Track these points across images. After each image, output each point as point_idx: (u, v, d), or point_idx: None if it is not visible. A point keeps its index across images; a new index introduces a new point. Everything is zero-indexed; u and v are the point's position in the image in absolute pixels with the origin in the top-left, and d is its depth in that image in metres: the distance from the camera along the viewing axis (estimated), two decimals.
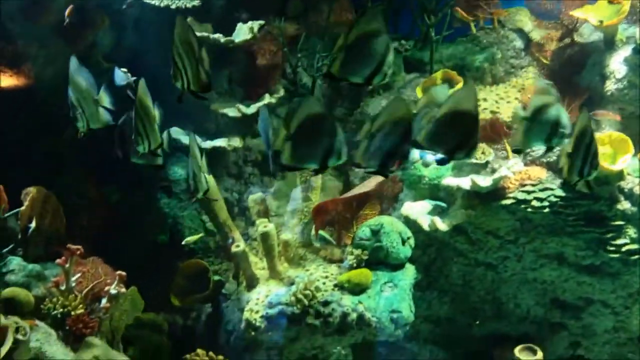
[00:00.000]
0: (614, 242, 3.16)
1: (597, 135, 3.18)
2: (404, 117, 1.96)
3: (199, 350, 2.94)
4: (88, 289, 2.76)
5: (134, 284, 3.00)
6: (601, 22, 3.32)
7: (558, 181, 3.24)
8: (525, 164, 3.34)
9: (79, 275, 2.73)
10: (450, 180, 3.35)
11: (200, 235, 3.53)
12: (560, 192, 3.18)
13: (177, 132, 3.61)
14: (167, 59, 3.59)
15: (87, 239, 3.30)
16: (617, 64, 3.32)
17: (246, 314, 3.12)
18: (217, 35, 3.50)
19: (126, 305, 2.88)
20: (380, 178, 3.47)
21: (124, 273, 2.79)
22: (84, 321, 2.54)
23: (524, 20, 3.74)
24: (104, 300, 2.73)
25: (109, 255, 3.09)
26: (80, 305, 2.59)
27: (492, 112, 3.46)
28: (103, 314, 2.68)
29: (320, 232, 3.39)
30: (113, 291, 2.74)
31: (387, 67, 2.03)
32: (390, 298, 3.10)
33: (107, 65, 3.56)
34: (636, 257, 3.15)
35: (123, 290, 2.78)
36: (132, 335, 3.15)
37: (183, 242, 3.44)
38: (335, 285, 3.14)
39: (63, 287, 2.61)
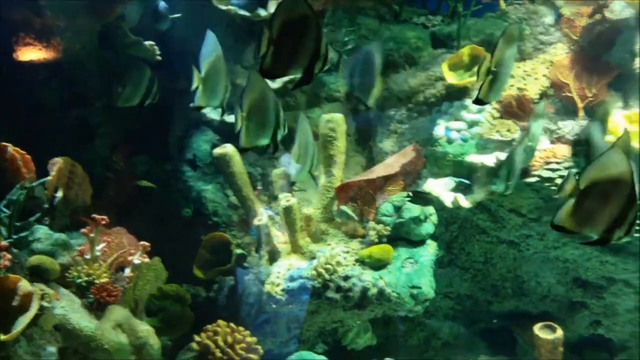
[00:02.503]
0: (638, 222, 3.12)
1: (624, 113, 3.15)
2: (626, 175, 1.71)
3: (220, 322, 2.98)
4: (112, 258, 2.82)
5: (159, 255, 3.06)
6: None
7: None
8: (551, 142, 3.30)
9: (103, 244, 2.78)
10: (474, 157, 3.33)
11: (153, 185, 3.54)
12: None
13: None
14: (191, 32, 3.63)
15: (113, 210, 3.38)
16: None
17: (267, 287, 3.16)
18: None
19: (150, 276, 2.94)
20: (404, 158, 3.47)
21: (147, 243, 2.84)
22: (107, 290, 2.59)
23: None
24: (127, 270, 2.79)
25: (134, 226, 3.15)
26: (105, 274, 2.64)
27: (519, 88, 3.41)
28: (127, 283, 2.73)
29: (343, 207, 3.40)
30: (137, 261, 2.79)
31: None
32: (411, 274, 3.11)
33: (134, 38, 3.59)
34: None
35: (146, 260, 2.82)
36: (156, 306, 3.22)
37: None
38: (357, 260, 3.16)
39: (88, 256, 2.66)
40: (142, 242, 2.85)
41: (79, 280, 2.58)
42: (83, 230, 2.66)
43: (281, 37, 1.82)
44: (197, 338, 2.92)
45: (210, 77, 2.20)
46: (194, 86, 2.19)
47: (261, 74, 1.87)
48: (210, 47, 2.18)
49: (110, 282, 2.62)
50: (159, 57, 3.48)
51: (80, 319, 2.47)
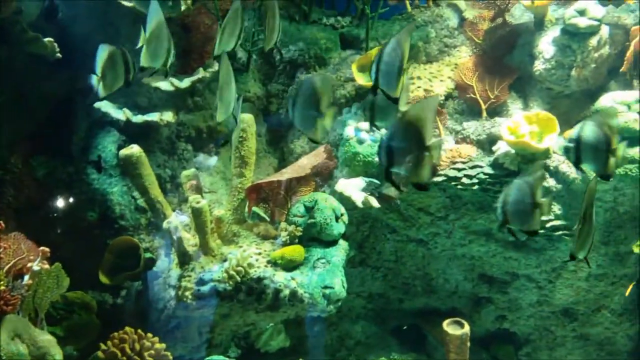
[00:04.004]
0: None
1: (525, 114, 3.28)
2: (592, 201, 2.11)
3: (127, 328, 2.88)
4: (9, 265, 2.67)
5: (61, 261, 2.92)
6: (532, 2, 3.39)
7: (487, 159, 3.31)
8: (456, 142, 3.40)
9: None
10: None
11: None
12: (488, 170, 3.26)
13: (107, 106, 3.50)
14: (94, 28, 3.51)
15: (11, 214, 3.21)
16: (545, 44, 3.39)
17: (177, 291, 3.09)
18: None
19: (50, 283, 2.79)
20: (315, 159, 3.48)
21: (47, 249, 2.71)
22: (5, 298, 2.45)
23: None
24: (26, 277, 2.65)
25: (34, 231, 3.00)
26: (1, 282, 2.50)
27: (425, 90, 3.49)
28: (25, 291, 2.59)
29: (254, 208, 3.37)
30: (36, 268, 2.66)
31: None
32: (323, 274, 3.12)
33: (32, 35, 3.42)
34: (560, 233, 3.25)
35: (46, 266, 2.69)
36: (59, 314, 3.08)
37: None
38: (269, 262, 3.14)
39: None
40: (42, 248, 2.72)
41: None
42: None
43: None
44: (103, 346, 2.81)
45: (153, 40, 2.37)
46: (138, 45, 2.38)
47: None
48: (153, 14, 2.36)
49: (7, 291, 2.48)
50: (58, 55, 3.33)
51: None
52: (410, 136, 1.93)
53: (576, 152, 2.22)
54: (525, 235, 2.32)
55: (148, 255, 3.41)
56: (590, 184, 2.15)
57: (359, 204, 3.32)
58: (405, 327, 3.89)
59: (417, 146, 1.93)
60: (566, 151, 2.25)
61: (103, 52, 2.48)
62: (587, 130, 2.20)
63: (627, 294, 3.52)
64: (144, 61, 2.41)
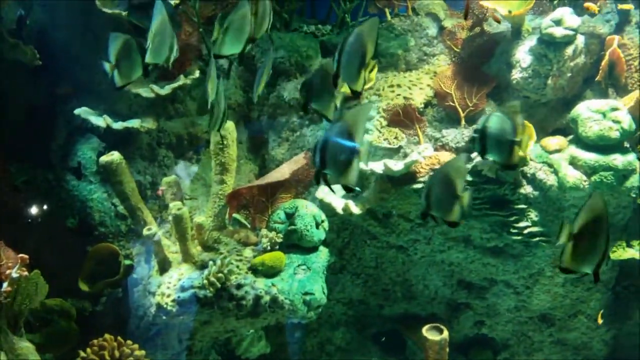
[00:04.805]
0: (516, 225, 3.30)
1: None
2: (603, 214, 2.01)
3: (106, 336, 2.87)
4: None
5: (41, 268, 2.90)
6: (510, 12, 3.44)
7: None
8: (435, 149, 3.43)
9: None
10: (363, 164, 3.40)
11: None
12: (467, 177, 3.28)
13: (87, 113, 3.49)
14: (74, 36, 3.51)
15: None
16: (522, 54, 3.43)
17: (157, 298, 3.08)
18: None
19: (29, 290, 2.78)
20: (295, 165, 3.50)
21: (26, 256, 2.69)
22: None
23: (437, 8, 3.82)
24: (5, 284, 2.63)
25: (13, 238, 2.98)
26: None
27: (405, 97, 3.52)
28: (4, 299, 2.57)
29: (235, 215, 3.38)
30: (15, 275, 2.63)
31: None
32: (304, 280, 3.13)
33: (12, 41, 3.41)
34: (537, 239, 3.30)
35: (25, 273, 2.67)
36: (39, 321, 3.06)
37: None
38: (249, 268, 3.15)
39: None
40: (20, 255, 2.69)
41: None
42: None
43: None
44: (82, 354, 2.80)
45: (157, 37, 2.42)
46: (147, 44, 2.43)
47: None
48: (158, 11, 2.39)
49: None
50: (39, 62, 3.33)
51: None
52: (342, 141, 2.02)
53: (481, 142, 2.26)
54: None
55: (128, 262, 3.40)
56: (596, 200, 2.06)
57: (339, 210, 3.34)
58: (384, 339, 3.91)
59: (348, 150, 2.02)
60: (472, 141, 2.27)
61: (116, 41, 2.46)
62: (492, 121, 2.24)
63: (599, 322, 3.58)
64: (149, 58, 2.43)
